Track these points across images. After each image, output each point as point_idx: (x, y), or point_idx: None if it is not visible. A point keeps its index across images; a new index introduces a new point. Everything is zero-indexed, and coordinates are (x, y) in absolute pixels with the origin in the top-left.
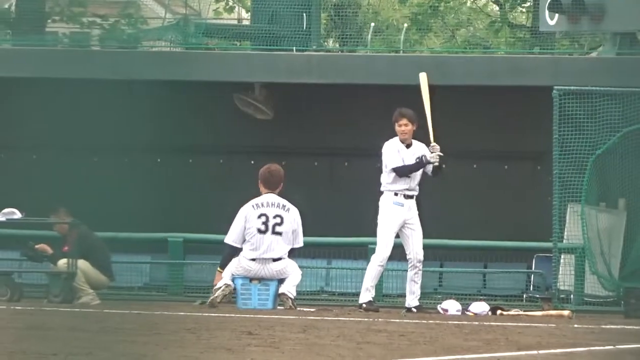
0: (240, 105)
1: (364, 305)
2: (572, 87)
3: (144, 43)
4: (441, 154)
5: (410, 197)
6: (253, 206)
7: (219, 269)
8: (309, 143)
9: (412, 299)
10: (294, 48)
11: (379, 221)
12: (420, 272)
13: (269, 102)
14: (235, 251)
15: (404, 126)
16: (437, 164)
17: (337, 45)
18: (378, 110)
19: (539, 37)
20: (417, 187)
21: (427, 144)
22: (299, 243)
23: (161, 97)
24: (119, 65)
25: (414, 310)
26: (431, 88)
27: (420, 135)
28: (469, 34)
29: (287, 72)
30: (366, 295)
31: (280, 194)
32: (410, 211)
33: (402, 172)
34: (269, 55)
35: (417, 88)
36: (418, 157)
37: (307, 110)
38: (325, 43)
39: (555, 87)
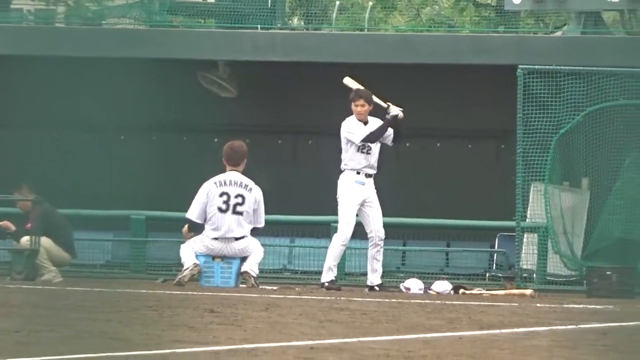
0: (204, 83)
1: (326, 284)
2: (536, 66)
3: (108, 20)
4: (401, 108)
5: (370, 175)
6: (215, 183)
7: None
8: (272, 121)
9: (374, 277)
10: (259, 26)
11: (339, 200)
12: (382, 250)
13: (233, 80)
14: (197, 226)
15: (361, 107)
16: (401, 114)
17: (302, 24)
18: (342, 89)
19: (504, 15)
20: (376, 165)
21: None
22: (260, 223)
23: (124, 75)
24: (83, 42)
25: (377, 288)
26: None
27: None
28: (433, 13)
29: (251, 50)
30: (328, 274)
31: (244, 172)
32: (369, 189)
33: (373, 137)
34: (234, 33)
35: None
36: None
37: (271, 88)
38: (290, 21)
39: (520, 66)
